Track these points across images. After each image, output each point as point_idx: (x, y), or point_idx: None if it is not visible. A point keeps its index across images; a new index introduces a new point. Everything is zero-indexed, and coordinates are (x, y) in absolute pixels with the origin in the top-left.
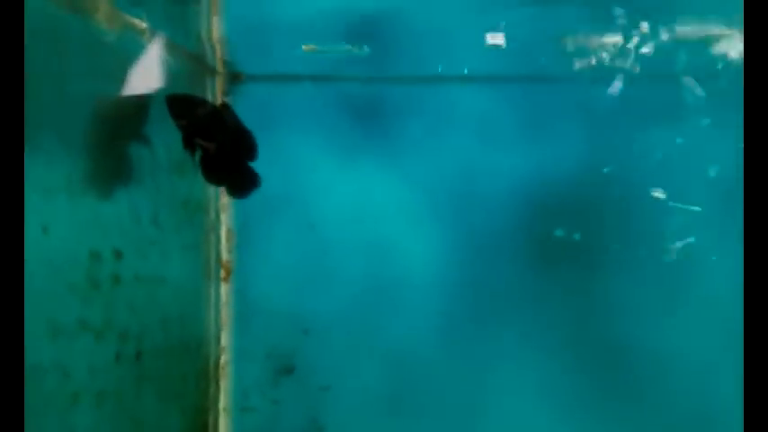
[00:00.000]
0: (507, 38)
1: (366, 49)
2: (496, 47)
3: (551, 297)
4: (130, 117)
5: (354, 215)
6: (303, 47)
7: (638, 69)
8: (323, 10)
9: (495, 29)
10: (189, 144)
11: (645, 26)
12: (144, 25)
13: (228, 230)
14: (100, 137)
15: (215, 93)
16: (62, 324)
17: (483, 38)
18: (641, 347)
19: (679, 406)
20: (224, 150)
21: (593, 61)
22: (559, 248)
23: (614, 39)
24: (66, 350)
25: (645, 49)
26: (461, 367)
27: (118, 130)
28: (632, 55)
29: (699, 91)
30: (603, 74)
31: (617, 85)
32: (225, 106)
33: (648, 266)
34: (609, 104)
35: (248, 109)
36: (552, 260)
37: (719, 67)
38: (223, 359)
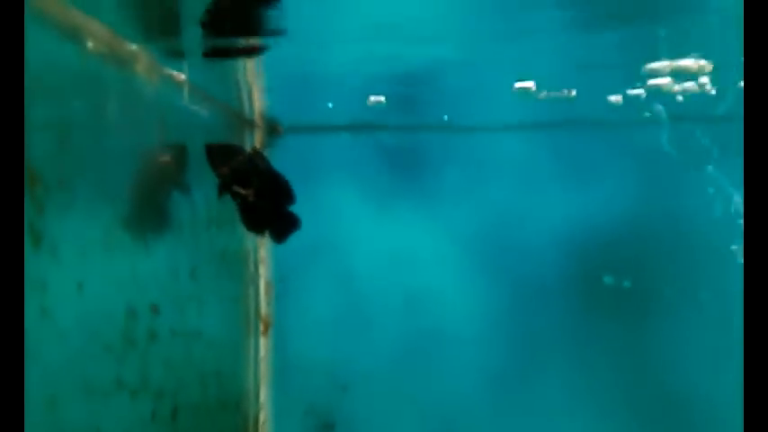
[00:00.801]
0: (546, 83)
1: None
2: (527, 90)
3: (602, 349)
4: (170, 169)
5: (393, 266)
6: None
7: (683, 111)
8: (360, 62)
9: (531, 76)
10: (227, 190)
11: (688, 67)
12: (183, 77)
13: (267, 283)
14: (139, 189)
15: (254, 144)
16: (97, 384)
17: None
18: (699, 400)
19: None
20: (261, 196)
21: (636, 104)
22: (609, 297)
23: (656, 81)
24: (100, 410)
25: (689, 91)
26: (509, 425)
27: (157, 183)
28: (677, 97)
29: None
30: (645, 118)
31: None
32: (256, 152)
33: (705, 313)
34: (654, 148)
35: (287, 160)
36: (602, 309)
37: None
38: (262, 416)
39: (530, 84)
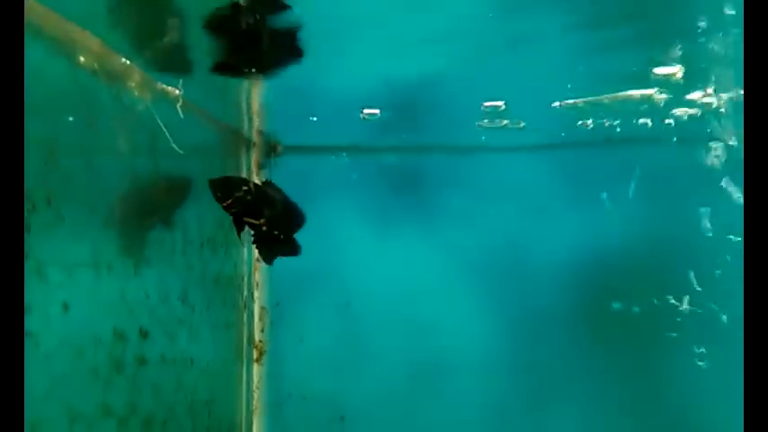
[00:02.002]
0: (550, 101)
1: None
2: (497, 108)
3: (612, 376)
4: (163, 191)
5: (393, 292)
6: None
7: (691, 131)
8: (361, 82)
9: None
10: (239, 224)
11: (703, 89)
12: (177, 92)
13: (261, 308)
14: (129, 211)
15: (251, 164)
16: (82, 410)
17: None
18: (710, 427)
19: None
20: (274, 224)
21: (644, 123)
22: (618, 323)
23: (665, 97)
24: None
25: (696, 113)
26: None
27: (149, 205)
28: (686, 116)
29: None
30: (653, 137)
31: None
32: (267, 183)
33: (719, 341)
34: (663, 168)
35: (284, 180)
36: (611, 336)
37: None
38: None
39: (499, 102)
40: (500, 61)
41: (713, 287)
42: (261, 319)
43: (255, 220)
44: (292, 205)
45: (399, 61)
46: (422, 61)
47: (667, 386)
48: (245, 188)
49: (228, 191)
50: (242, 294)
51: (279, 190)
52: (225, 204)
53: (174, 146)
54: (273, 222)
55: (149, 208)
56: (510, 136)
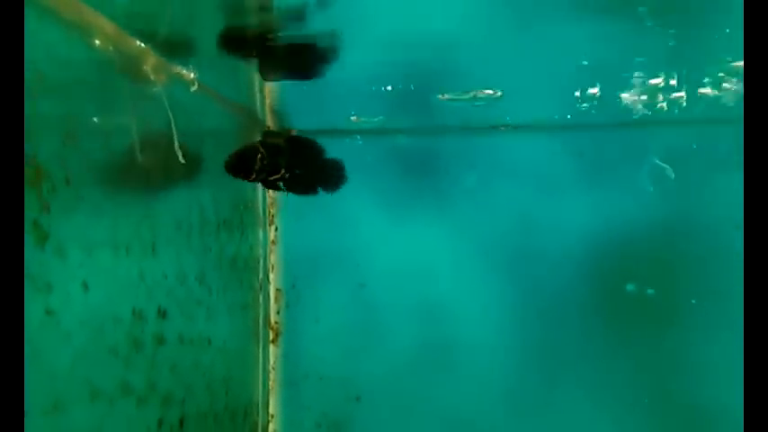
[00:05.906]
0: (565, 83)
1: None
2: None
3: (624, 359)
4: (178, 172)
5: (407, 273)
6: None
7: (706, 113)
8: (375, 64)
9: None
10: (273, 187)
11: (713, 70)
12: (192, 76)
13: (277, 290)
14: (147, 191)
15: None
16: (102, 387)
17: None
18: (724, 412)
19: None
20: (294, 166)
21: (659, 106)
22: (631, 305)
23: (678, 82)
24: (105, 415)
25: (713, 93)
26: None
27: (165, 186)
28: (701, 98)
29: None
30: (670, 118)
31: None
32: (267, 133)
33: (731, 323)
34: (678, 150)
35: None
36: (624, 318)
37: None
38: (271, 427)
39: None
40: (522, 42)
41: (729, 271)
42: (276, 300)
43: (278, 174)
44: (296, 139)
45: (421, 34)
46: (442, 38)
47: (680, 369)
48: (259, 156)
49: (248, 167)
50: (258, 276)
51: (278, 134)
52: (251, 179)
53: (174, 127)
54: (290, 166)
55: (165, 189)
56: (526, 116)
